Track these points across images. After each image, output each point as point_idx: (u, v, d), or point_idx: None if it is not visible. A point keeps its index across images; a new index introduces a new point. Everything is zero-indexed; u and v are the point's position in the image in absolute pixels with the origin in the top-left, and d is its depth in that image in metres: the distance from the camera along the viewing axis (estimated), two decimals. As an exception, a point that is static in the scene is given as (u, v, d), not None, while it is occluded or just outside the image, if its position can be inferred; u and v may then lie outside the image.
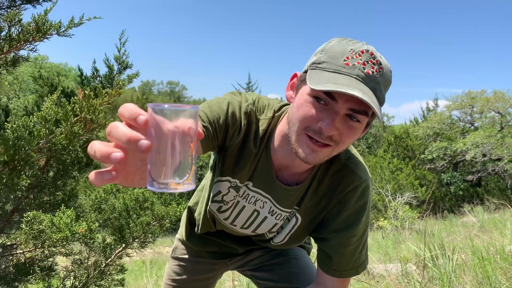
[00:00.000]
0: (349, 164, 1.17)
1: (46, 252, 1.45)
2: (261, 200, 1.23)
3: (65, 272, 1.89)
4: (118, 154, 0.51)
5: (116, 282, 1.97)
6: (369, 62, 0.93)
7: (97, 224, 1.98)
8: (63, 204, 1.62)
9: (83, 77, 1.78)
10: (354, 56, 0.93)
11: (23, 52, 2.07)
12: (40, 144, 0.92)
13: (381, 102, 0.96)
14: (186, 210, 1.54)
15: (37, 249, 1.46)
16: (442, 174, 18.75)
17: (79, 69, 1.79)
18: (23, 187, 0.88)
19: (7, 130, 0.89)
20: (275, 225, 1.29)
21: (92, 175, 0.53)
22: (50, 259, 1.68)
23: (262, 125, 1.13)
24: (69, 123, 0.99)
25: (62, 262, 2.00)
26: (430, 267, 3.39)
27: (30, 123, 1.01)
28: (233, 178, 1.19)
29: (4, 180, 0.85)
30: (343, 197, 1.16)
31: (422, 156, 18.63)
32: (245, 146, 1.13)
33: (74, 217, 1.39)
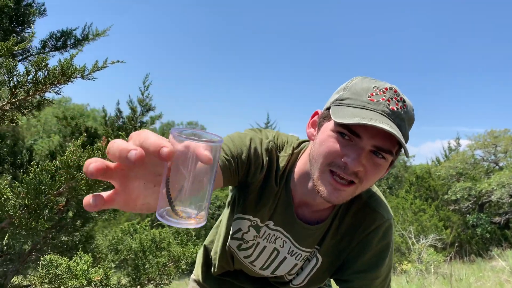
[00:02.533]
0: (371, 202, 1.14)
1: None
2: (281, 239, 1.20)
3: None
4: (136, 151, 0.45)
5: (130, 327, 1.92)
6: (394, 99, 0.94)
7: (113, 265, 1.97)
8: (80, 247, 1.62)
9: (106, 118, 1.83)
10: (379, 93, 0.93)
11: (48, 95, 2.15)
12: (61, 188, 0.93)
13: (406, 139, 0.96)
14: (201, 249, 1.52)
15: (52, 292, 1.44)
16: (468, 215, 18.13)
17: (103, 110, 1.85)
18: (41, 232, 0.88)
19: (30, 173, 0.90)
20: (295, 266, 1.25)
21: (87, 198, 0.49)
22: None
23: (282, 162, 1.12)
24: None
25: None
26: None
27: (53, 167, 1.02)
28: (254, 216, 1.17)
29: (23, 223, 0.85)
30: (365, 237, 1.13)
31: (446, 196, 18.12)
32: (267, 183, 1.12)
33: (91, 263, 1.37)
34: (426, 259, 8.16)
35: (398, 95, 0.94)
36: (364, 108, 0.92)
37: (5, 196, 0.83)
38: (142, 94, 1.75)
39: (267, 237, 1.21)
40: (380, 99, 0.93)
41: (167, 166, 0.47)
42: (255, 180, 1.10)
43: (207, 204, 0.51)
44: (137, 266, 1.93)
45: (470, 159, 19.51)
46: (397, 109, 0.93)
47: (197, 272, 1.54)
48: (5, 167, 1.84)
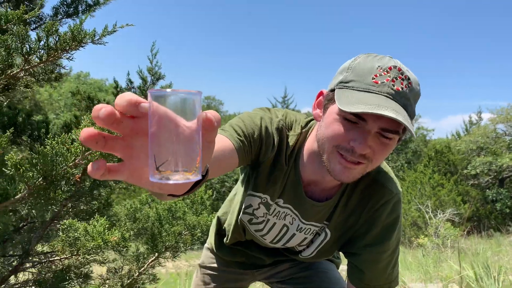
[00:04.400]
0: (379, 178, 1.14)
1: (81, 259, 1.49)
2: (290, 216, 1.22)
3: (100, 280, 1.93)
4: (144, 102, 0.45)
5: (148, 292, 2.00)
6: (398, 78, 0.92)
7: (131, 232, 2.02)
8: (97, 213, 1.67)
9: (118, 89, 1.84)
10: (383, 73, 0.92)
11: (65, 65, 2.16)
12: (77, 160, 0.95)
13: (412, 117, 0.95)
14: (215, 220, 1.55)
15: (73, 256, 1.49)
16: (487, 190, 17.89)
17: (115, 81, 1.85)
18: (58, 201, 0.91)
19: (47, 146, 0.92)
20: (304, 239, 1.28)
21: (90, 164, 0.48)
22: (86, 267, 1.72)
23: (291, 141, 1.13)
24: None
25: (97, 270, 2.04)
26: (473, 287, 3.22)
27: (69, 139, 1.04)
28: (264, 194, 1.19)
29: (42, 194, 0.88)
30: (374, 212, 1.14)
31: (465, 171, 17.89)
32: (277, 162, 1.13)
33: (107, 226, 1.41)
34: (443, 234, 8.14)
35: (402, 73, 0.92)
36: (368, 91, 0.91)
37: (23, 168, 0.85)
38: (151, 62, 1.74)
39: (276, 214, 1.23)
40: (385, 80, 0.91)
41: (151, 126, 0.46)
42: (266, 159, 1.11)
43: (199, 158, 0.49)
44: (154, 235, 1.98)
45: (492, 133, 19.09)
46: (402, 88, 0.91)
47: (210, 241, 1.58)
48: (23, 138, 1.88)
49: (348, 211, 1.17)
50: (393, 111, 0.85)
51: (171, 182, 0.47)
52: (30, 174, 0.87)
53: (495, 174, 17.82)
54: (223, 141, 0.96)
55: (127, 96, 0.45)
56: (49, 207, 1.00)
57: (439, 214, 9.84)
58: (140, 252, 1.97)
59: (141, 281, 1.95)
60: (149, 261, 1.95)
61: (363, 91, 0.91)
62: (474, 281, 3.26)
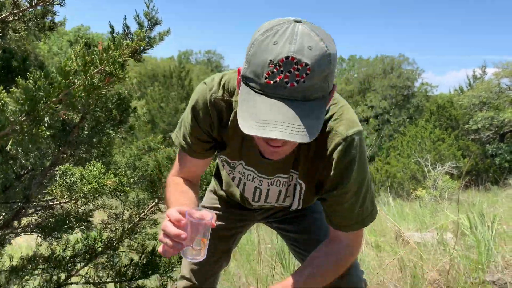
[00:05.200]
0: (330, 124, 1.13)
1: (80, 203, 1.51)
2: (258, 178, 1.30)
3: (101, 225, 1.97)
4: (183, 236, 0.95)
5: (149, 236, 2.05)
6: (292, 71, 0.87)
7: (131, 180, 2.04)
8: (95, 160, 1.67)
9: (114, 34, 1.79)
10: (275, 69, 0.88)
11: (56, 15, 2.09)
12: (60, 96, 0.93)
13: (323, 92, 0.93)
14: (215, 167, 1.59)
15: (72, 201, 1.52)
16: (487, 145, 17.96)
17: (110, 26, 1.80)
18: (42, 139, 0.90)
19: (30, 80, 0.90)
20: (280, 193, 1.33)
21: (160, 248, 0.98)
22: (83, 210, 1.76)
23: (236, 107, 1.14)
24: (88, 75, 0.99)
25: (99, 216, 2.09)
26: (468, 235, 3.30)
27: (52, 74, 1.02)
28: (228, 158, 1.30)
29: (25, 130, 0.87)
30: (328, 159, 1.14)
31: (466, 126, 17.86)
32: (226, 130, 1.20)
33: (103, 171, 1.43)
34: (440, 186, 8.26)
35: (298, 62, 0.87)
36: (264, 94, 0.90)
37: (2, 101, 0.84)
38: (147, 6, 1.68)
39: (244, 175, 1.32)
40: (277, 79, 0.88)
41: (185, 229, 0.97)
42: (216, 132, 1.21)
43: (204, 249, 1.02)
44: (154, 181, 2.00)
45: (495, 88, 18.87)
46: (298, 81, 0.88)
47: (212, 184, 1.63)
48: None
49: (309, 160, 1.19)
50: (282, 127, 0.86)
51: (189, 259, 1.05)
52: (11, 109, 0.86)
53: (496, 129, 17.81)
54: (194, 162, 1.29)
55: (175, 216, 0.97)
56: (34, 144, 1.00)
57: (438, 167, 9.94)
58: (140, 198, 2.00)
59: (142, 226, 2.00)
60: (149, 207, 1.99)
61: (259, 93, 0.91)
62: (469, 229, 3.33)
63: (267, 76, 0.88)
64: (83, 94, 0.97)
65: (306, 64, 0.87)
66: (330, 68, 0.92)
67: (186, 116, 1.24)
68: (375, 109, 29.20)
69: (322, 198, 1.23)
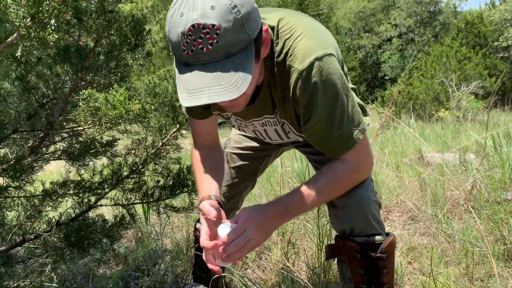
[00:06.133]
0: (286, 60, 1.13)
1: (104, 129, 1.53)
2: (250, 123, 1.36)
3: (126, 150, 2.01)
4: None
5: (173, 160, 2.09)
6: (203, 36, 0.91)
7: (152, 107, 2.04)
8: (116, 84, 1.66)
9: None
10: (188, 40, 0.92)
11: None
12: None
13: (242, 52, 0.96)
14: None
15: (96, 126, 1.53)
16: (517, 63, 17.16)
17: None
18: (51, 42, 0.88)
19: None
20: (277, 131, 1.37)
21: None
22: (108, 136, 1.79)
23: None
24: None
25: (123, 142, 2.13)
26: (492, 155, 3.26)
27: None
28: (218, 111, 1.36)
29: (32, 35, 0.84)
30: (293, 95, 1.15)
31: (496, 43, 16.98)
32: None
33: (127, 96, 1.41)
34: (464, 106, 8.07)
35: (204, 26, 0.90)
36: (189, 65, 0.95)
37: (3, 3, 0.80)
38: None
39: (238, 123, 1.41)
40: (192, 47, 0.92)
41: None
42: None
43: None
44: (174, 107, 2.00)
45: (531, 1, 17.58)
46: (212, 43, 0.91)
47: None
48: None
49: (281, 100, 1.20)
50: (208, 91, 0.92)
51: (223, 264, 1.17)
52: (15, 13, 0.83)
53: (528, 45, 16.89)
54: (202, 124, 1.39)
55: (207, 244, 1.12)
56: (44, 49, 0.99)
57: (463, 87, 9.63)
58: (161, 124, 2.01)
59: (165, 151, 2.03)
60: (171, 132, 2.00)
61: (184, 64, 0.96)
62: (493, 149, 3.29)
63: (184, 48, 0.93)
64: None
65: (213, 25, 0.90)
66: (242, 18, 0.93)
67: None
68: (399, 28, 27.85)
69: (302, 132, 1.25)
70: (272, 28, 1.14)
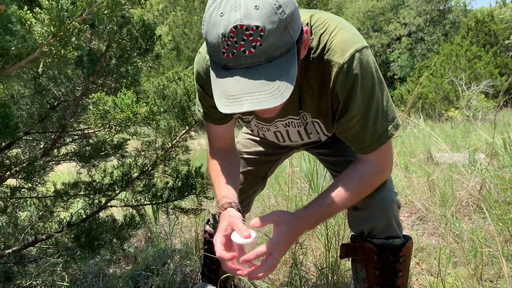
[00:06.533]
0: (325, 56, 1.09)
1: (114, 131, 1.56)
2: (273, 125, 1.34)
3: (136, 152, 2.04)
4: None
5: (182, 162, 2.12)
6: (245, 38, 0.86)
7: (161, 109, 2.06)
8: (126, 89, 1.69)
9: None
10: (229, 42, 0.87)
11: None
12: (84, 15, 0.91)
13: (284, 55, 0.91)
14: None
15: (105, 129, 1.56)
16: (528, 62, 16.95)
17: None
18: (71, 60, 0.90)
19: (52, 1, 0.89)
20: (299, 132, 1.35)
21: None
22: (118, 138, 1.82)
23: None
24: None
25: (132, 143, 2.16)
26: (502, 155, 3.24)
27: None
28: (239, 115, 1.36)
29: (53, 52, 0.87)
30: (333, 91, 1.12)
31: (506, 42, 16.78)
32: None
33: (135, 99, 1.44)
34: (474, 106, 8.00)
35: (247, 28, 0.84)
36: (228, 68, 0.90)
37: (28, 22, 0.83)
38: None
39: (258, 127, 1.39)
40: (234, 50, 0.87)
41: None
42: None
43: None
44: (184, 109, 2.02)
45: (542, -2, 17.36)
46: (255, 47, 0.86)
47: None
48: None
49: (317, 98, 1.17)
50: (251, 98, 0.87)
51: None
52: (38, 31, 0.85)
53: (540, 43, 16.67)
54: (219, 129, 1.35)
55: (225, 256, 1.09)
56: (64, 66, 1.02)
57: (473, 86, 9.55)
58: (170, 126, 2.04)
59: (175, 153, 2.06)
60: (181, 134, 2.03)
61: (224, 68, 0.91)
62: (503, 148, 3.27)
63: (224, 50, 0.88)
64: (106, 11, 0.95)
65: (257, 27, 0.85)
66: (286, 19, 0.88)
67: (196, 89, 1.30)
68: (409, 27, 27.67)
69: (335, 128, 1.22)
70: (306, 24, 1.10)
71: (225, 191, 1.27)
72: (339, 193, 1.16)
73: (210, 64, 0.97)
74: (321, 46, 1.09)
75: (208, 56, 1.12)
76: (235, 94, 0.88)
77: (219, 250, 1.09)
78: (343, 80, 1.07)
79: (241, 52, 0.87)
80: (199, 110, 1.37)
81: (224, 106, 0.89)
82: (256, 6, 0.85)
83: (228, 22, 0.86)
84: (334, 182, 1.22)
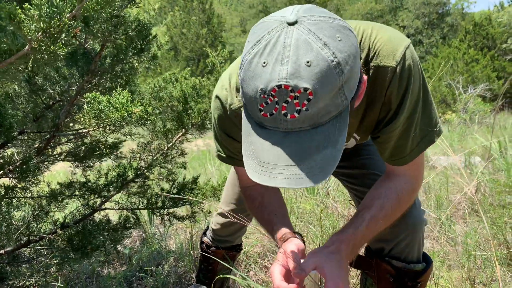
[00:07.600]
0: (373, 63, 0.93)
1: (108, 131, 1.56)
2: None
3: (131, 154, 2.04)
4: None
5: (178, 165, 2.11)
6: (289, 100, 0.70)
7: (157, 111, 2.06)
8: (120, 88, 1.69)
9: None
10: (268, 100, 0.71)
11: None
12: (74, 11, 0.91)
13: (333, 121, 0.76)
14: None
15: (100, 129, 1.56)
16: (525, 65, 17.02)
17: None
18: (61, 56, 0.90)
19: (42, -4, 0.88)
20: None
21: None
22: (112, 138, 1.82)
23: None
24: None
25: (128, 145, 2.15)
26: (497, 158, 3.25)
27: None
28: None
29: (43, 48, 0.87)
30: (385, 97, 0.96)
31: (504, 45, 16.86)
32: None
33: (129, 99, 1.44)
34: (471, 109, 8.02)
35: (293, 90, 0.69)
36: (263, 127, 0.77)
37: (17, 18, 0.83)
38: None
39: None
40: (273, 111, 0.72)
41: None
42: None
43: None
44: (180, 112, 2.02)
45: (540, 2, 17.44)
46: (299, 112, 0.71)
47: None
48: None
49: (361, 116, 1.03)
50: (286, 172, 0.73)
51: None
52: (27, 27, 0.85)
53: (537, 47, 16.75)
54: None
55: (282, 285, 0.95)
56: (54, 62, 1.01)
57: (470, 90, 9.57)
58: (167, 128, 2.03)
59: (171, 156, 2.05)
60: (177, 136, 2.02)
61: (258, 125, 0.78)
62: (498, 152, 3.28)
63: (261, 108, 0.73)
64: (96, 8, 0.94)
65: (306, 89, 0.69)
66: (343, 79, 0.72)
67: (218, 135, 1.13)
68: (407, 29, 27.73)
69: (374, 137, 1.07)
70: None
71: (281, 221, 1.12)
72: (376, 214, 1.02)
73: (243, 111, 0.83)
74: (364, 55, 0.94)
75: (231, 102, 1.03)
76: (269, 162, 0.75)
77: (278, 279, 0.95)
78: (397, 84, 0.93)
79: (282, 115, 0.72)
80: (224, 157, 1.18)
81: (253, 171, 0.77)
82: (308, 62, 0.69)
83: (270, 78, 0.71)
84: (367, 202, 1.07)
